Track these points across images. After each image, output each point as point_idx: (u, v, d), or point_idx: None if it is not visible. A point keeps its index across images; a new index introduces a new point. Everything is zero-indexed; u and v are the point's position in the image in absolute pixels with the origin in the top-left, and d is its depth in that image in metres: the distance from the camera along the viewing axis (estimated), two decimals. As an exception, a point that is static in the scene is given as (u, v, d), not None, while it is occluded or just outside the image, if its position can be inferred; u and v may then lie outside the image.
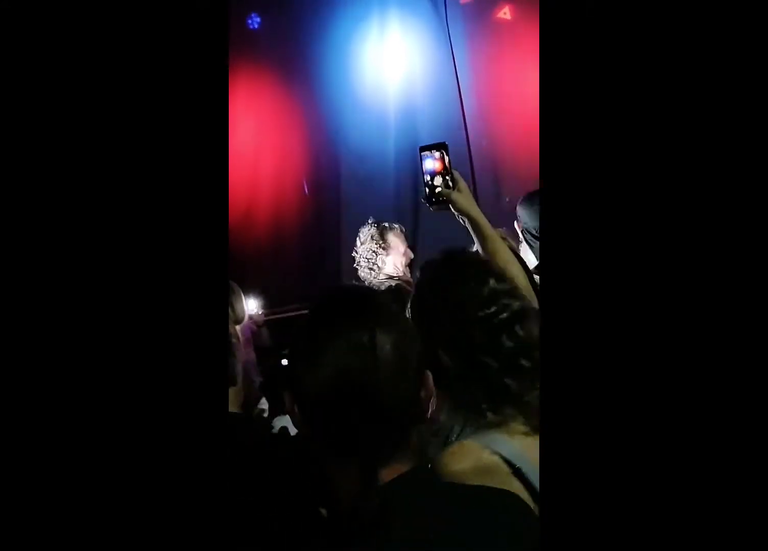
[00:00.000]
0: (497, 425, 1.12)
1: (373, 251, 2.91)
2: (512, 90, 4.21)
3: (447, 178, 1.48)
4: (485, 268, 1.26)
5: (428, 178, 1.49)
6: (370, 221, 3.01)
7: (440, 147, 1.50)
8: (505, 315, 1.17)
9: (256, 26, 4.42)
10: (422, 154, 1.50)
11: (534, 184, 2.59)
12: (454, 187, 1.47)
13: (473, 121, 4.35)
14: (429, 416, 0.92)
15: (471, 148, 4.32)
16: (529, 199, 2.33)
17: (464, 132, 4.31)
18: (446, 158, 1.49)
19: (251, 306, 2.10)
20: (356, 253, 2.97)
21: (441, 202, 1.48)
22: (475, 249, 1.51)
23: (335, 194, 4.50)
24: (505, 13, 4.18)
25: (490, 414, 1.13)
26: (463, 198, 1.46)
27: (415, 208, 4.29)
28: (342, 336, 0.86)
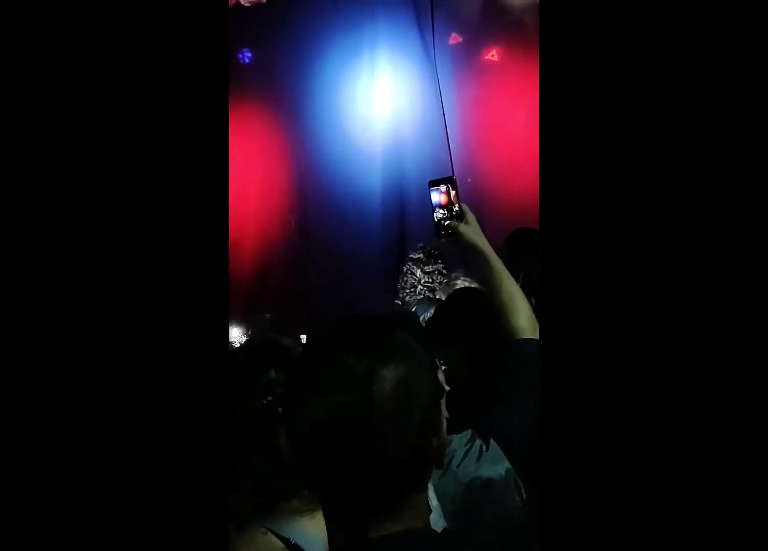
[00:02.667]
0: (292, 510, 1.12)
1: (444, 268, 2.84)
2: (498, 129, 4.30)
3: (453, 210, 1.50)
4: (281, 352, 1.20)
5: (435, 210, 1.51)
6: (420, 246, 2.92)
7: (447, 181, 1.53)
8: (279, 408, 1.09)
9: (247, 61, 4.47)
10: (430, 188, 1.53)
11: (518, 219, 2.62)
12: (461, 220, 1.49)
13: (459, 159, 4.41)
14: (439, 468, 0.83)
15: (457, 184, 4.36)
16: (516, 235, 2.35)
17: (450, 169, 4.36)
18: (452, 192, 1.52)
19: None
20: (420, 272, 2.83)
21: (448, 235, 1.49)
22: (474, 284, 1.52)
23: (321, 228, 4.51)
24: (492, 55, 4.29)
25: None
26: (470, 230, 1.48)
27: (400, 243, 4.33)
28: (338, 368, 0.77)
